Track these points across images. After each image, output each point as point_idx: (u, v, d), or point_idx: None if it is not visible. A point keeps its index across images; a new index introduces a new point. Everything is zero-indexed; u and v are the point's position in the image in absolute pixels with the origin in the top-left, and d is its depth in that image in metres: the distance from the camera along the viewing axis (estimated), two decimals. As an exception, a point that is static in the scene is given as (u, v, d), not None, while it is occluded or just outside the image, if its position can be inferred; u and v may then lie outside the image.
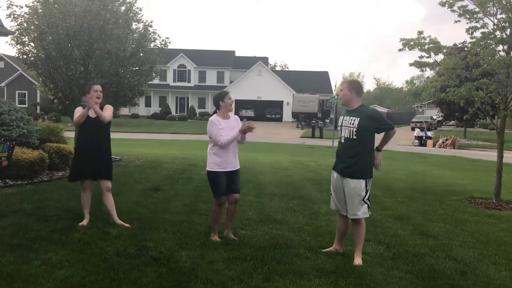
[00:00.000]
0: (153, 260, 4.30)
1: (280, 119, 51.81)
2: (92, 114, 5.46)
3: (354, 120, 4.55)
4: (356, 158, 4.56)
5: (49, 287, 3.59)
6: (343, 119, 4.71)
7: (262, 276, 4.01)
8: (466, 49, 11.00)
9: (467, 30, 8.45)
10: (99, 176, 5.52)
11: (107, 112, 5.50)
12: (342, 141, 4.69)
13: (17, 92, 47.96)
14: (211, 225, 5.19)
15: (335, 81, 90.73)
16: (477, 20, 8.30)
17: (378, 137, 4.65)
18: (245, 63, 55.61)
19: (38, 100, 47.15)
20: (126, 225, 5.44)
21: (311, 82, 54.88)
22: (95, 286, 3.65)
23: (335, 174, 4.77)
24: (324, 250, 4.87)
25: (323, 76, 58.09)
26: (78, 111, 5.45)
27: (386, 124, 4.64)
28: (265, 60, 57.99)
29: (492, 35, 8.19)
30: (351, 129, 4.56)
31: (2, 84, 47.97)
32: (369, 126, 4.52)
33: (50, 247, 4.50)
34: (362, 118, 4.52)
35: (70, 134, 12.07)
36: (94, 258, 4.25)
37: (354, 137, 4.55)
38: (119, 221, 5.51)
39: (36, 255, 4.25)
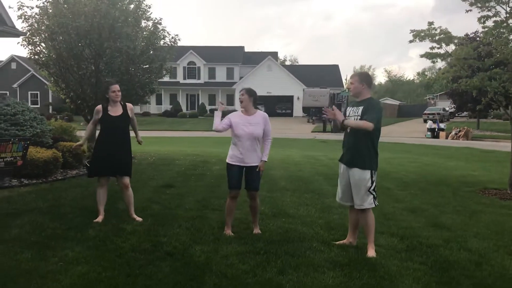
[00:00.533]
0: (167, 255, 4.35)
1: (290, 114, 51.65)
2: (113, 113, 5.51)
3: (359, 109, 4.57)
4: (360, 148, 4.57)
5: (66, 283, 3.64)
6: (350, 110, 4.72)
7: (276, 270, 4.02)
8: (478, 39, 10.86)
9: (479, 19, 8.33)
10: (118, 173, 5.59)
11: (133, 114, 5.73)
12: (348, 130, 4.71)
13: (29, 92, 48.52)
14: (225, 219, 5.24)
15: (346, 75, 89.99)
16: (489, 8, 8.18)
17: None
18: (255, 59, 55.23)
19: (50, 100, 47.69)
20: (139, 219, 5.54)
21: (322, 76, 54.48)
22: (111, 281, 3.70)
23: (342, 165, 4.80)
24: (337, 242, 4.87)
25: (334, 70, 57.71)
26: (99, 111, 5.53)
27: (371, 116, 4.45)
28: (274, 55, 57.64)
29: (504, 24, 8.08)
30: (356, 117, 4.57)
31: (15, 85, 48.56)
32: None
33: (66, 244, 4.57)
34: (365, 107, 4.53)
35: (83, 133, 12.17)
36: (110, 254, 4.30)
37: None
38: (133, 216, 5.60)
39: (53, 252, 4.32)
